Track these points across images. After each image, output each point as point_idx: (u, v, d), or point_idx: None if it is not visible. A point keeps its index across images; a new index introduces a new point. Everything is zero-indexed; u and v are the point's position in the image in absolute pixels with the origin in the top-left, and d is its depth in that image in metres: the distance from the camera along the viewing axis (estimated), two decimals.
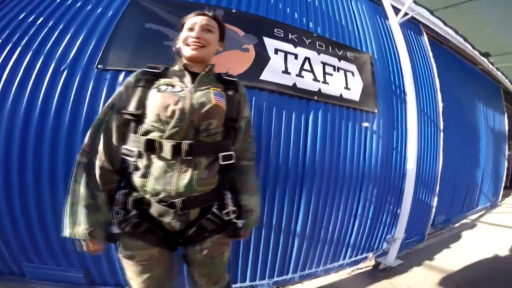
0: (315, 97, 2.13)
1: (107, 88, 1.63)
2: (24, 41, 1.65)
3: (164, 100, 0.89)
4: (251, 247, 1.93)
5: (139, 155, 0.89)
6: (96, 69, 1.64)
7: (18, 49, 1.62)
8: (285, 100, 2.03)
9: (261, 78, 1.96)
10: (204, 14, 1.03)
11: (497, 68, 4.93)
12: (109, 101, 0.97)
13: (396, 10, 2.90)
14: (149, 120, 0.90)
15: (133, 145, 0.89)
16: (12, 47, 1.62)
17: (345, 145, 2.27)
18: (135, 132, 0.91)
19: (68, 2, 1.80)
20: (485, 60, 4.59)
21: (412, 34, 3.35)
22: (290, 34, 2.20)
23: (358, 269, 2.48)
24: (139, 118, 0.91)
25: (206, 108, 0.91)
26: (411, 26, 3.39)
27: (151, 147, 0.87)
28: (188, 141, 0.87)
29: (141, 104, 0.92)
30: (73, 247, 1.62)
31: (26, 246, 1.65)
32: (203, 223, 0.94)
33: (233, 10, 2.06)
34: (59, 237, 1.61)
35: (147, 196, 0.89)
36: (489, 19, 3.29)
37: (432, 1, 3.24)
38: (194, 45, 0.97)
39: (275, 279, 2.07)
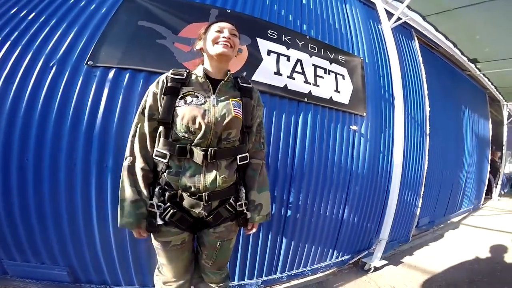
0: (305, 99, 2.16)
1: (96, 84, 1.62)
2: (14, 36, 1.61)
3: (191, 113, 1.02)
4: (240, 247, 1.95)
5: (171, 157, 1.05)
6: (86, 66, 1.62)
7: (6, 44, 1.58)
8: (276, 101, 2.05)
9: (252, 78, 1.97)
10: (228, 22, 1.15)
11: (483, 74, 5.06)
12: (140, 107, 1.11)
13: (389, 15, 2.95)
14: (179, 130, 1.04)
15: (165, 148, 1.05)
16: (1, 41, 1.58)
17: (334, 147, 2.31)
18: (166, 137, 1.06)
19: None
20: (473, 66, 4.71)
21: (404, 39, 3.41)
22: (283, 35, 2.22)
23: (344, 269, 2.54)
24: (169, 125, 1.05)
25: (227, 120, 1.06)
26: (403, 31, 3.45)
27: (183, 153, 1.04)
28: (213, 148, 1.04)
29: (170, 112, 1.04)
30: (57, 245, 1.64)
31: (8, 243, 1.61)
32: (220, 211, 1.14)
33: (228, 10, 2.06)
34: (43, 234, 1.61)
35: (179, 191, 1.07)
36: (479, 25, 3.37)
37: (425, 6, 3.29)
38: (224, 43, 1.08)
39: (264, 278, 2.11)
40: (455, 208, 4.77)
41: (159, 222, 1.07)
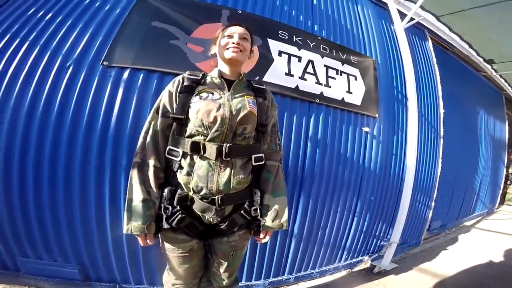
0: (317, 100, 2.15)
1: (111, 84, 1.65)
2: (32, 36, 1.65)
3: (207, 107, 1.01)
4: (248, 247, 1.93)
5: (183, 155, 1.02)
6: (101, 66, 1.65)
7: (25, 44, 1.62)
8: (287, 102, 2.04)
9: (264, 79, 1.97)
10: (240, 25, 1.16)
11: (500, 75, 4.92)
12: (155, 106, 1.09)
13: (402, 15, 2.90)
14: (193, 124, 1.02)
15: (178, 146, 1.03)
16: (20, 42, 1.63)
17: (345, 149, 2.29)
18: (180, 134, 1.04)
19: None
20: (489, 66, 4.60)
21: (417, 39, 3.35)
22: (294, 36, 2.21)
23: (353, 272, 2.51)
24: (183, 121, 1.03)
25: (242, 114, 1.04)
26: (416, 31, 3.39)
27: (196, 149, 1.00)
28: (228, 144, 1.01)
29: (184, 109, 1.03)
30: (70, 243, 1.67)
31: (22, 240, 1.65)
32: (235, 218, 1.09)
33: (239, 11, 2.06)
34: (56, 233, 1.64)
35: (191, 193, 1.02)
36: (495, 25, 3.28)
37: (438, 6, 3.23)
38: (234, 49, 1.09)
39: (271, 279, 2.10)
40: (468, 211, 4.66)
41: (165, 226, 1.02)
